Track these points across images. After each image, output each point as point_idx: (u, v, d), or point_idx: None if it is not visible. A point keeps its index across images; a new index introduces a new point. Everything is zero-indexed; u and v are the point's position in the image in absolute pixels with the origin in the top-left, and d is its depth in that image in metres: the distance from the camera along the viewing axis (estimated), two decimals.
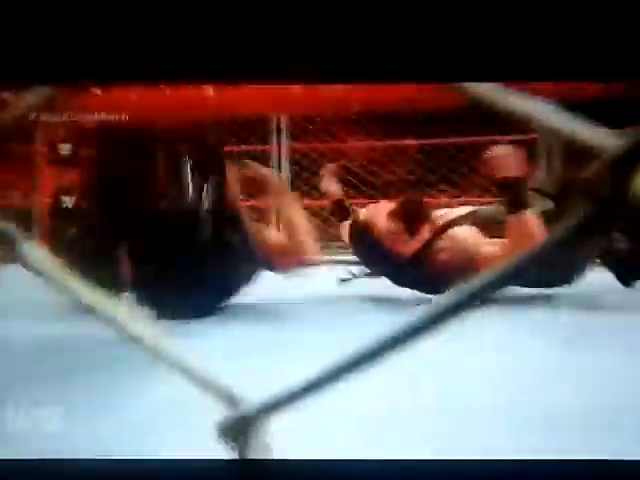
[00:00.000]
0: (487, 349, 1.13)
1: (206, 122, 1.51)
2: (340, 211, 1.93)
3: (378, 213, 1.60)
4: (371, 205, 1.71)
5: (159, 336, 0.29)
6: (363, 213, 1.68)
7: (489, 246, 1.53)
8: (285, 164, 4.40)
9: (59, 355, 1.05)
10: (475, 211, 1.76)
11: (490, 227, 1.61)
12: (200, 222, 1.26)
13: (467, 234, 1.60)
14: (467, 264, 1.46)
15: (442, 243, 1.59)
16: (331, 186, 1.92)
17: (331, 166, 2.03)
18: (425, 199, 1.87)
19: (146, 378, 0.95)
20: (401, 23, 0.35)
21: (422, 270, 1.56)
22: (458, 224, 1.66)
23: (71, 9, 0.37)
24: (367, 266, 1.74)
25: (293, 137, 4.42)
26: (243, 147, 4.25)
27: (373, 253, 1.61)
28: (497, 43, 0.35)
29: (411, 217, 1.58)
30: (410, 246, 1.57)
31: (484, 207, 1.86)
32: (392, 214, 1.58)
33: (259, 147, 4.43)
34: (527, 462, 0.59)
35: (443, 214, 1.73)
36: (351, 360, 0.25)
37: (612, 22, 0.34)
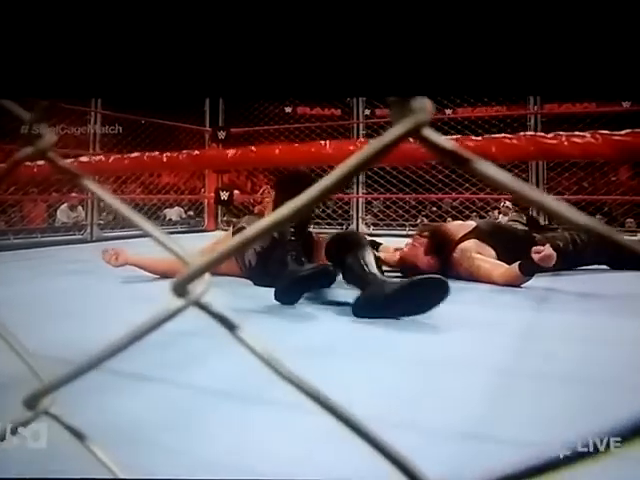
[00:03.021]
0: None
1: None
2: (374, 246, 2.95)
3: (416, 251, 2.51)
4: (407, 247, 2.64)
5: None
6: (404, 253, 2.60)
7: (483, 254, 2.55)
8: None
9: None
10: (476, 226, 2.75)
11: (484, 238, 2.64)
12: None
13: (469, 247, 2.58)
14: (469, 267, 2.48)
15: (455, 254, 2.54)
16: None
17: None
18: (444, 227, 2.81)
19: None
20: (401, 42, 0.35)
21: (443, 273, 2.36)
22: (465, 239, 2.64)
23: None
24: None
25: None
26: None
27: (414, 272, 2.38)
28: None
29: (438, 244, 2.50)
30: (436, 264, 2.44)
31: (482, 221, 2.99)
32: (428, 248, 2.47)
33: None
34: None
35: (456, 228, 2.74)
36: None
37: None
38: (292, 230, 2.09)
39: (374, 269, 1.83)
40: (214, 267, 0.30)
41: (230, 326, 0.30)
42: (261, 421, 0.93)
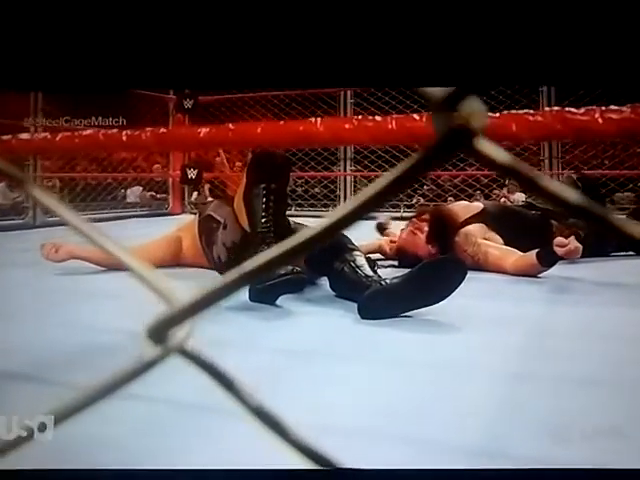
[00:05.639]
0: None
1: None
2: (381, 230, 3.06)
3: (416, 240, 2.46)
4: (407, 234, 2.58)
5: None
6: (402, 241, 2.57)
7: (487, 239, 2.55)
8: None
9: None
10: (483, 209, 2.73)
11: (492, 223, 2.62)
12: None
13: (475, 231, 2.56)
14: (474, 253, 2.45)
15: (457, 239, 2.51)
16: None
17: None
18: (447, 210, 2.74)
19: None
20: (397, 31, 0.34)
21: None
22: (469, 223, 2.61)
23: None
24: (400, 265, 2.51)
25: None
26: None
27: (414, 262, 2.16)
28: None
29: (440, 229, 2.44)
30: (439, 252, 2.33)
31: (490, 203, 3.03)
32: (429, 235, 2.41)
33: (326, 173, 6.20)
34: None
35: (460, 209, 2.71)
36: None
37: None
38: (264, 220, 1.96)
39: (369, 272, 1.78)
40: (203, 309, 0.26)
41: (223, 379, 0.27)
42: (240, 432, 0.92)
